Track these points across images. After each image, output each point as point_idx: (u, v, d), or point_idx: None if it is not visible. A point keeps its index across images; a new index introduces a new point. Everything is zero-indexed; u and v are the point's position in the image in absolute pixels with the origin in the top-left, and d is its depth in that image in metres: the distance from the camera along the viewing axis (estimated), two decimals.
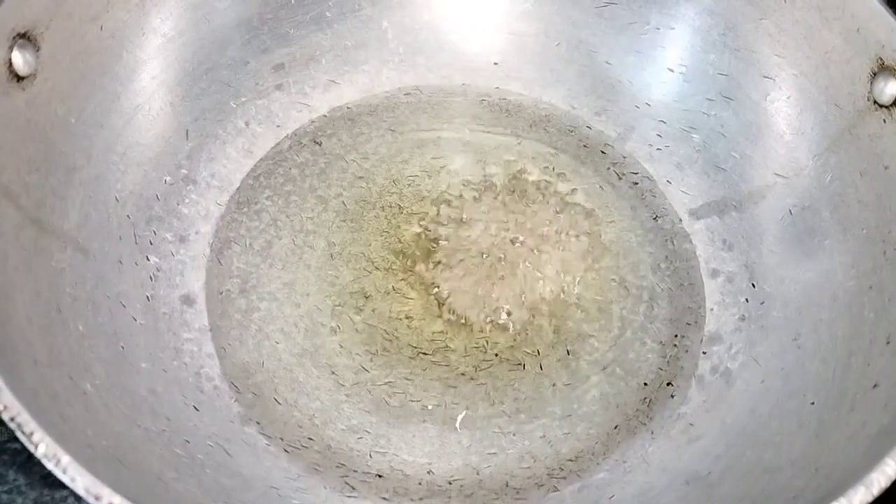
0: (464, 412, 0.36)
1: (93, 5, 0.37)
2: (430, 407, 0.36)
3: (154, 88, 0.40)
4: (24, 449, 0.35)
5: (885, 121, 0.35)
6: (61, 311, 0.33)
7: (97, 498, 0.22)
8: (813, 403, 0.33)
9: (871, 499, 0.24)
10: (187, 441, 0.33)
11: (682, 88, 0.44)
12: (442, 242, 0.40)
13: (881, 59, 0.36)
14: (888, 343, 0.32)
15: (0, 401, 0.24)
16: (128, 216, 0.38)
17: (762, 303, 0.38)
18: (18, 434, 0.23)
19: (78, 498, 0.34)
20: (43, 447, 0.23)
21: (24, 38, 0.33)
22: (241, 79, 0.43)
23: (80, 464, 0.24)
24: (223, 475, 0.32)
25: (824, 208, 0.38)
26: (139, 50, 0.40)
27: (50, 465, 0.23)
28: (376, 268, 0.40)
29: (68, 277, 0.34)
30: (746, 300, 0.38)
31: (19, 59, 0.33)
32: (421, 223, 0.41)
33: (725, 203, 0.41)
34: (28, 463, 0.35)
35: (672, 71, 0.44)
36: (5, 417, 0.23)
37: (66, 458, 0.23)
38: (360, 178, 0.43)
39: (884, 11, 0.36)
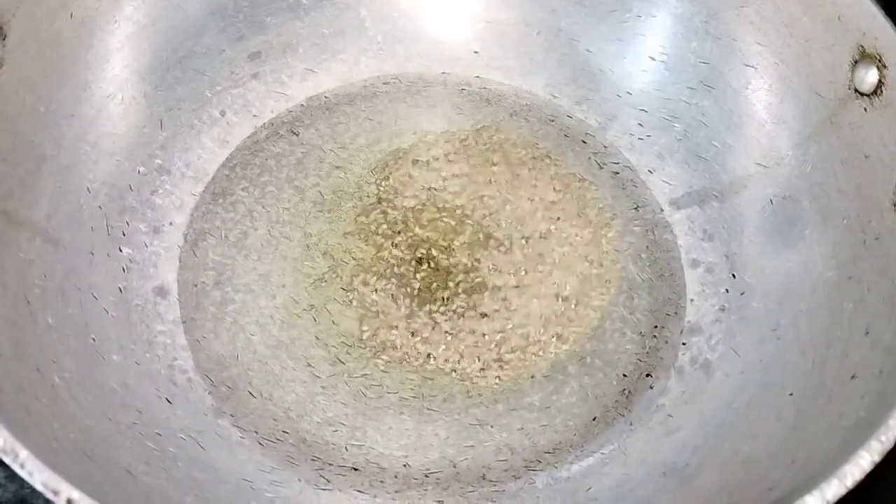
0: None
1: None
2: (406, 399, 0.36)
3: (127, 77, 0.40)
4: None
5: (865, 109, 0.35)
6: (29, 302, 0.32)
7: (55, 493, 0.22)
8: (791, 395, 0.32)
9: (844, 491, 0.24)
10: (159, 434, 0.32)
11: (663, 77, 0.43)
12: (420, 231, 0.40)
13: (862, 47, 0.35)
14: (867, 334, 0.31)
15: None
16: (100, 207, 0.37)
17: (742, 293, 0.38)
18: None
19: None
20: (0, 441, 0.22)
21: None
22: (216, 67, 0.43)
23: (43, 458, 0.24)
24: (195, 468, 0.32)
25: (805, 198, 0.37)
26: (111, 38, 0.39)
27: (8, 460, 0.22)
28: (353, 258, 0.39)
29: (37, 269, 0.33)
30: (727, 291, 0.38)
31: None
32: (400, 213, 0.41)
33: (706, 193, 0.41)
34: None
35: (653, 59, 0.43)
36: None
37: (24, 453, 0.22)
38: (337, 167, 0.42)
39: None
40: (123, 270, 0.37)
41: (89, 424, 0.30)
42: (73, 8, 0.37)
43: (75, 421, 0.30)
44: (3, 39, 0.33)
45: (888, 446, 0.25)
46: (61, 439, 0.28)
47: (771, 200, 0.39)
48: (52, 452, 0.25)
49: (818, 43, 0.37)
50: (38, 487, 0.22)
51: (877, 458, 0.25)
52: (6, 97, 0.34)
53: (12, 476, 0.34)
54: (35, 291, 0.33)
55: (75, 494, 0.22)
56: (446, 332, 0.37)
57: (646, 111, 0.43)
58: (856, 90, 0.36)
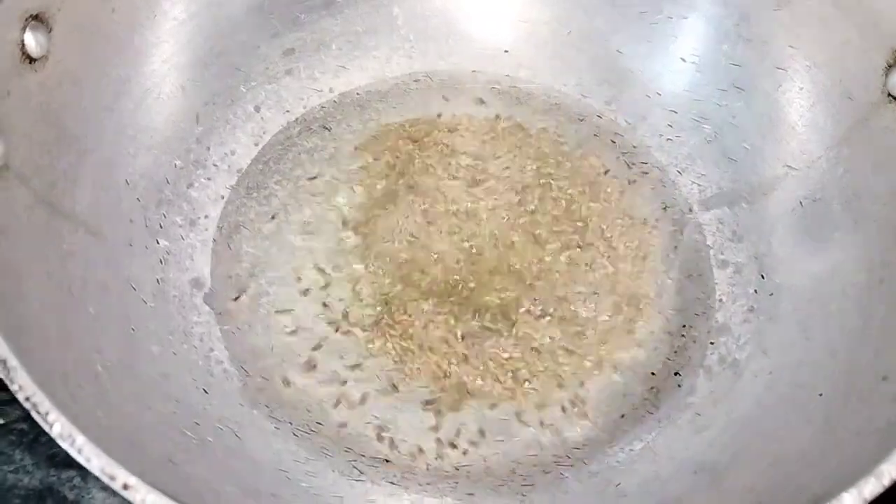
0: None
1: None
2: (439, 392, 0.36)
3: (165, 72, 0.40)
4: (31, 430, 0.35)
5: None
6: (73, 293, 0.33)
7: (112, 478, 0.22)
8: (821, 395, 0.33)
9: (881, 489, 0.24)
10: (197, 423, 0.33)
11: (694, 78, 0.43)
12: (454, 224, 0.40)
13: None
14: None
15: (15, 381, 0.24)
16: (138, 199, 0.38)
17: (771, 294, 0.38)
18: (34, 414, 0.23)
19: (83, 478, 0.34)
20: (58, 427, 0.23)
21: (37, 20, 0.33)
22: (251, 63, 0.43)
23: (97, 442, 0.24)
24: (233, 458, 0.33)
25: (835, 201, 0.38)
26: (150, 33, 0.40)
27: (65, 445, 0.23)
28: (393, 247, 0.40)
29: (80, 260, 0.34)
30: (755, 291, 0.38)
31: (32, 41, 0.33)
32: (433, 207, 0.41)
33: (736, 194, 0.41)
34: (34, 443, 0.35)
35: (684, 61, 0.44)
36: (20, 398, 0.24)
37: (81, 439, 0.23)
38: (369, 162, 0.43)
39: None
40: (161, 262, 0.38)
41: (131, 413, 0.31)
42: (115, 3, 0.37)
43: (118, 409, 0.30)
44: (50, 33, 0.34)
45: None
46: (106, 427, 0.28)
47: (801, 203, 0.39)
48: (100, 440, 0.25)
49: (852, 47, 0.37)
50: (96, 473, 0.22)
51: None
52: (50, 90, 0.34)
53: (38, 463, 0.35)
54: (77, 282, 0.33)
55: (132, 480, 0.22)
56: (477, 341, 0.38)
57: (676, 112, 0.44)
58: (889, 94, 0.36)
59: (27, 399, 0.23)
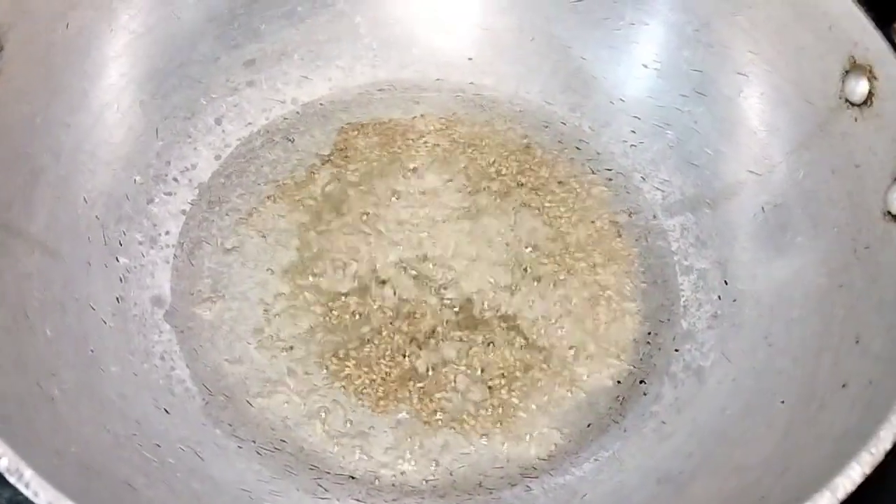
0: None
1: (59, 3, 0.36)
2: (404, 407, 0.36)
3: (123, 86, 0.40)
4: None
5: (856, 119, 0.36)
6: (28, 315, 0.32)
7: None
8: (783, 402, 0.33)
9: (836, 503, 0.24)
10: (158, 445, 0.32)
11: (656, 84, 0.43)
12: (419, 235, 0.40)
13: (853, 58, 0.36)
14: (857, 342, 0.32)
15: None
16: (97, 217, 0.38)
17: (734, 300, 0.38)
18: None
19: None
20: (5, 461, 0.23)
21: None
22: (211, 75, 0.43)
23: (46, 474, 0.24)
24: (194, 479, 0.32)
25: (796, 206, 0.38)
26: (107, 47, 0.39)
27: (13, 480, 0.22)
28: (351, 263, 0.39)
29: (35, 281, 0.33)
30: (719, 297, 0.39)
31: None
32: (395, 219, 0.41)
33: (699, 199, 0.41)
34: None
35: (646, 67, 0.44)
36: None
37: (28, 472, 0.23)
38: (333, 175, 0.42)
39: (856, 10, 0.36)
40: (121, 280, 0.37)
41: (89, 437, 0.30)
42: (69, 18, 0.37)
43: (75, 434, 0.30)
44: (1, 50, 0.33)
45: (879, 458, 0.25)
46: (63, 453, 0.28)
47: (763, 208, 0.39)
48: (54, 468, 0.25)
49: (809, 52, 0.38)
50: None
51: (867, 470, 0.25)
52: (2, 108, 0.34)
53: (5, 482, 0.34)
54: (34, 304, 0.33)
55: None
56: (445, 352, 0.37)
57: (639, 118, 0.44)
58: (846, 100, 0.36)
59: None
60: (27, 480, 0.22)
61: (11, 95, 0.34)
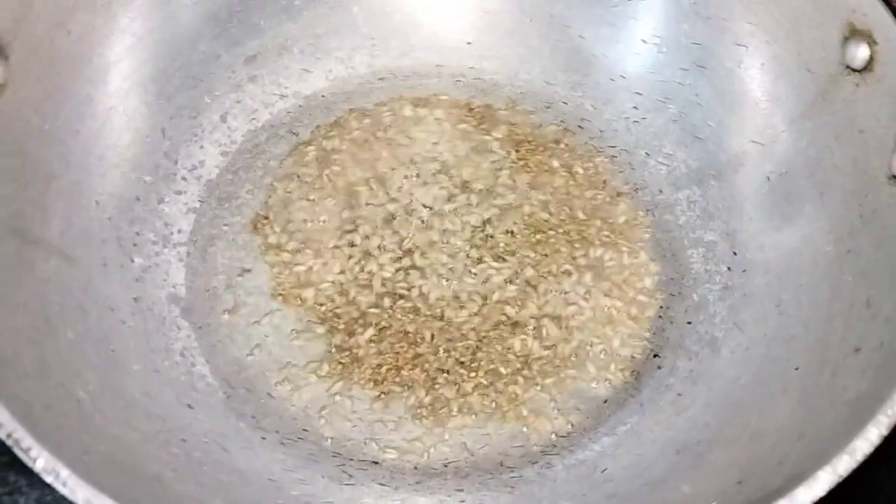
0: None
1: (59, 11, 0.37)
2: (422, 391, 0.36)
3: (127, 89, 0.40)
4: None
5: (857, 85, 0.36)
6: (50, 320, 0.33)
7: None
8: (797, 369, 0.33)
9: (854, 465, 0.25)
10: (184, 440, 0.33)
11: (656, 59, 0.44)
12: (428, 220, 0.40)
13: (852, 24, 0.36)
14: (868, 306, 0.32)
15: None
16: (109, 219, 0.38)
17: (744, 270, 0.38)
18: (16, 450, 0.23)
19: None
20: (42, 462, 0.23)
21: None
22: (213, 73, 0.43)
23: (79, 474, 0.25)
24: (221, 472, 0.33)
25: (801, 174, 0.38)
26: (109, 51, 0.39)
27: (49, 479, 0.23)
28: (363, 255, 0.40)
29: (54, 286, 0.34)
30: (728, 268, 0.39)
31: None
32: (405, 206, 0.41)
33: (704, 172, 0.42)
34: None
35: (646, 42, 0.44)
36: (1, 435, 0.24)
37: (65, 472, 0.23)
38: (340, 166, 0.43)
39: None
40: (137, 280, 0.38)
41: (117, 435, 0.31)
42: (70, 25, 0.37)
43: (103, 433, 0.30)
44: (7, 61, 0.34)
45: (894, 420, 0.26)
46: (92, 453, 0.28)
47: (768, 177, 0.39)
48: (86, 467, 0.25)
49: (808, 20, 0.38)
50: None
51: (884, 431, 0.25)
52: (11, 118, 0.34)
53: (33, 483, 0.35)
54: (54, 308, 0.33)
55: None
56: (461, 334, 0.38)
57: (640, 94, 0.44)
58: (847, 66, 0.36)
59: (8, 436, 0.24)
60: (64, 479, 0.23)
61: (20, 105, 0.35)
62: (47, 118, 0.36)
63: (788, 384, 0.33)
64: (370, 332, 0.38)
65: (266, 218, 0.41)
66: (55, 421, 0.28)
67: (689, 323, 0.38)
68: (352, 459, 0.35)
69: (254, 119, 0.44)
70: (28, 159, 0.35)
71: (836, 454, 0.25)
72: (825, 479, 0.24)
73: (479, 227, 0.40)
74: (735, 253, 0.39)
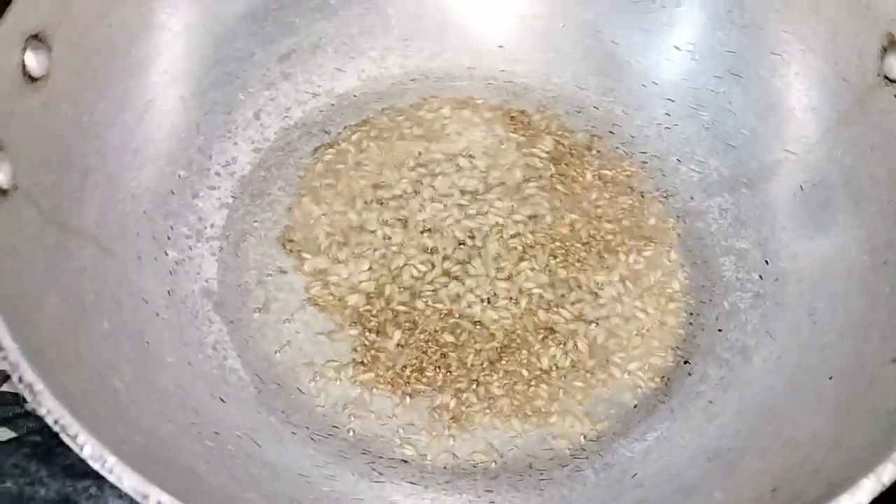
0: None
1: (101, 3, 0.37)
2: (451, 392, 0.36)
3: (164, 83, 0.40)
4: (45, 441, 0.36)
5: (895, 96, 0.36)
6: (86, 310, 0.33)
7: (145, 497, 0.23)
8: (831, 378, 0.33)
9: None
10: (216, 433, 0.33)
11: (689, 66, 0.44)
12: (462, 222, 0.40)
13: (891, 34, 0.36)
14: None
15: (43, 404, 0.24)
16: (144, 212, 0.38)
17: (776, 279, 0.38)
18: (63, 436, 0.24)
19: (100, 487, 0.35)
20: (89, 448, 0.23)
21: (37, 40, 0.33)
22: (248, 70, 0.43)
23: (124, 461, 0.25)
24: (253, 465, 0.33)
25: (836, 183, 0.38)
26: (147, 46, 0.40)
27: (96, 466, 0.23)
28: (394, 253, 0.40)
29: (90, 276, 0.34)
30: (760, 277, 0.39)
31: (33, 61, 0.33)
32: (435, 206, 0.41)
33: (736, 180, 0.42)
34: (49, 455, 0.36)
35: (679, 49, 0.44)
36: (49, 421, 0.24)
37: (111, 459, 0.23)
38: (370, 165, 0.43)
39: None
40: (170, 273, 0.38)
41: (151, 427, 0.31)
42: (111, 18, 0.37)
43: (138, 424, 0.31)
44: (50, 52, 0.34)
45: None
46: (129, 443, 0.28)
47: (802, 186, 0.39)
48: (125, 457, 0.25)
49: (845, 30, 0.38)
50: (128, 492, 0.23)
51: None
52: (52, 109, 0.34)
53: (54, 474, 0.35)
54: (91, 298, 0.33)
55: (165, 498, 0.22)
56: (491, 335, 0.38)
57: (672, 100, 0.44)
58: (885, 77, 0.36)
59: (56, 422, 0.24)
60: (111, 466, 0.23)
61: (60, 97, 0.35)
62: (86, 110, 0.36)
63: (822, 393, 0.33)
64: (399, 332, 0.38)
65: (292, 237, 0.40)
66: (93, 410, 0.29)
67: (719, 330, 0.38)
68: (381, 457, 0.35)
69: (286, 117, 0.44)
70: (67, 151, 0.35)
71: (879, 462, 0.25)
72: (869, 487, 0.24)
73: (512, 231, 0.40)
74: (767, 261, 0.39)
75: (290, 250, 0.40)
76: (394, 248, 0.40)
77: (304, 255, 0.40)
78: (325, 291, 0.39)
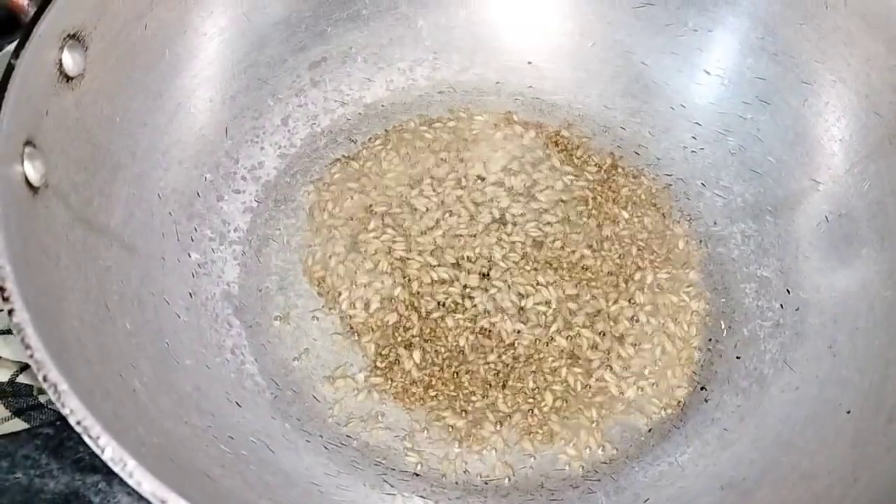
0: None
1: (137, 4, 0.37)
2: (466, 408, 0.36)
3: (195, 86, 0.41)
4: (56, 434, 0.36)
5: None
6: (109, 308, 0.33)
7: (163, 502, 0.23)
8: (849, 412, 0.33)
9: None
10: (231, 437, 0.33)
11: (718, 91, 0.44)
12: (483, 238, 0.41)
13: None
14: None
15: (66, 404, 0.24)
16: (170, 213, 0.39)
17: (797, 309, 0.38)
18: (85, 437, 0.24)
19: (108, 482, 0.35)
20: (110, 451, 0.24)
21: (74, 39, 0.34)
22: (278, 76, 0.44)
23: (143, 465, 0.25)
24: (267, 471, 0.33)
25: (862, 217, 0.38)
26: (181, 48, 0.40)
27: (117, 469, 0.23)
28: (416, 264, 0.40)
29: (115, 275, 0.34)
30: (781, 306, 0.39)
31: (69, 60, 0.33)
32: (457, 220, 0.41)
33: (761, 207, 0.41)
34: (60, 448, 0.36)
35: (709, 73, 0.44)
36: (72, 421, 0.24)
37: (132, 463, 0.23)
38: (395, 175, 0.43)
39: None
40: (193, 275, 0.38)
41: (169, 428, 0.31)
42: (147, 20, 0.38)
43: (157, 425, 0.31)
44: (86, 51, 0.34)
45: None
46: (147, 444, 0.29)
47: (826, 217, 0.39)
48: (143, 458, 0.26)
49: (879, 63, 0.38)
50: (147, 496, 0.23)
51: None
52: (86, 107, 0.35)
53: (64, 467, 0.35)
54: (114, 297, 0.34)
55: None
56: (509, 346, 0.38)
57: (700, 124, 0.44)
58: None
59: (78, 423, 0.24)
60: (131, 470, 0.23)
61: (94, 95, 0.35)
62: (118, 109, 0.37)
63: (841, 427, 0.33)
64: (417, 347, 0.38)
65: (316, 269, 0.40)
66: (114, 410, 0.29)
67: (738, 358, 0.38)
68: (393, 469, 0.35)
69: (314, 124, 0.44)
70: (98, 149, 0.35)
71: None
72: None
73: (532, 249, 0.41)
74: (789, 291, 0.39)
75: (321, 291, 0.39)
76: (415, 264, 0.40)
77: (335, 284, 0.39)
78: (346, 303, 0.39)
